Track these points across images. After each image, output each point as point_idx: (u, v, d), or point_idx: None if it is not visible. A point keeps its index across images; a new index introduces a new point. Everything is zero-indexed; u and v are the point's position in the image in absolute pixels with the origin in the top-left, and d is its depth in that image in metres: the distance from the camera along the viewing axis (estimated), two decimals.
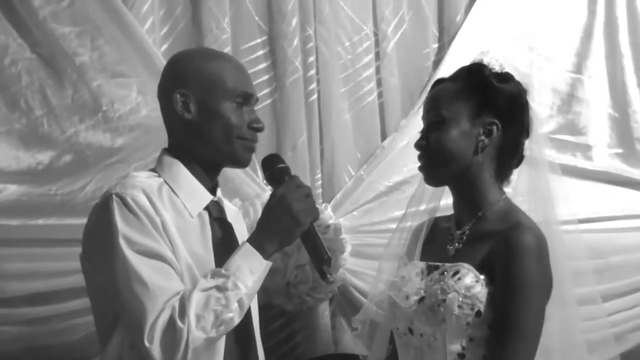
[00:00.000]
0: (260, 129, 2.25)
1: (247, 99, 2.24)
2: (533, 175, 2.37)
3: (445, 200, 2.50)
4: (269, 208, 2.13)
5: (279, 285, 3.36)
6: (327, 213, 3.46)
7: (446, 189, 2.40)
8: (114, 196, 2.07)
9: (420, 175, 2.39)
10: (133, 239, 2.04)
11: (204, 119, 2.20)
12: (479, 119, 2.27)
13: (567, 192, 2.47)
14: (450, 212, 2.44)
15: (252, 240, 2.12)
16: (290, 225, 2.11)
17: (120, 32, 3.29)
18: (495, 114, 2.28)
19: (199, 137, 2.21)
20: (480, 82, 2.29)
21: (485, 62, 2.35)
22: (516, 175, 2.39)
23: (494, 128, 2.28)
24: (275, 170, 2.22)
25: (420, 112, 2.38)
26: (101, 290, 2.11)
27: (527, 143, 2.37)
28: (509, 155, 2.34)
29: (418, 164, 2.34)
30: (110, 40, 3.29)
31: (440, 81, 2.38)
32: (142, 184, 2.14)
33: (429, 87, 2.45)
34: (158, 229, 2.08)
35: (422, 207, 2.55)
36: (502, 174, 2.35)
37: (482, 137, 2.27)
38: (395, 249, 2.60)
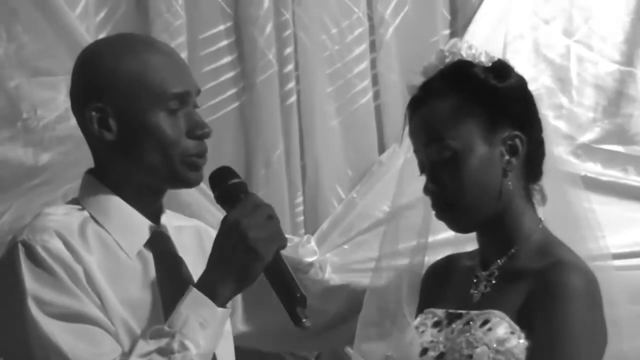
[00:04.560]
0: (205, 135, 2.04)
1: (183, 100, 2.02)
2: (552, 190, 2.25)
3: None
4: (219, 239, 1.93)
5: None
6: (310, 247, 3.26)
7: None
8: (19, 245, 1.92)
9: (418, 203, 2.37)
10: (46, 299, 1.89)
11: (129, 137, 2.02)
12: (495, 136, 2.13)
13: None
14: (453, 247, 2.41)
15: (200, 284, 1.93)
16: (247, 259, 1.90)
17: (44, 17, 3.12)
18: (512, 123, 2.15)
19: (127, 159, 2.04)
20: (480, 88, 2.15)
21: (466, 56, 2.19)
22: None
23: (517, 141, 2.15)
24: (226, 187, 2.00)
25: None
26: None
27: None
28: (538, 162, 2.23)
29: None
30: (31, 29, 3.13)
31: (419, 101, 2.21)
32: (58, 223, 1.98)
33: None
34: (79, 282, 1.92)
35: (401, 246, 2.61)
36: (534, 188, 2.23)
37: (507, 157, 2.14)
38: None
